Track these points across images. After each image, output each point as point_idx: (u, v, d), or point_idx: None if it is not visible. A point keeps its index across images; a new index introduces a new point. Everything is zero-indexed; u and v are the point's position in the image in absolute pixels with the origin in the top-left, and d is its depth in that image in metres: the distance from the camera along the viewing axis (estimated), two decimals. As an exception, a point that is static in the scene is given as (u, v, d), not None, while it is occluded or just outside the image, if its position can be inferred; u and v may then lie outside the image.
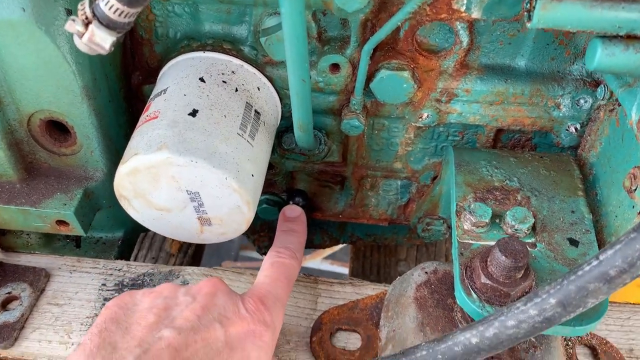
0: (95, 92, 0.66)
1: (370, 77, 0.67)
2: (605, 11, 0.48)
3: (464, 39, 0.64)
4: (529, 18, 0.51)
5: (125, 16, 0.47)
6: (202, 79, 0.64)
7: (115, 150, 0.72)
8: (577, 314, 0.45)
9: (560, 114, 0.69)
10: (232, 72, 0.66)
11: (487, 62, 0.68)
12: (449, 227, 0.84)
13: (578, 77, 0.67)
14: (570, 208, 0.64)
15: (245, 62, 0.68)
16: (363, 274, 1.08)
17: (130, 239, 0.90)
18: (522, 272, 0.54)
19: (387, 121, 0.74)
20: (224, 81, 0.65)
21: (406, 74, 0.66)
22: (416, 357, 0.51)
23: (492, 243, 0.58)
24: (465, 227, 0.61)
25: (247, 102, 0.65)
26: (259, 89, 0.68)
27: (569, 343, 0.68)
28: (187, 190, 0.60)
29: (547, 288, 0.45)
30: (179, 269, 0.75)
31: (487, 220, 0.60)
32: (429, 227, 0.85)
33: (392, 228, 0.92)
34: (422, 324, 0.61)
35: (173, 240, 1.09)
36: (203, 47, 0.68)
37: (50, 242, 0.86)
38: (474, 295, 0.55)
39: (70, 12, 0.59)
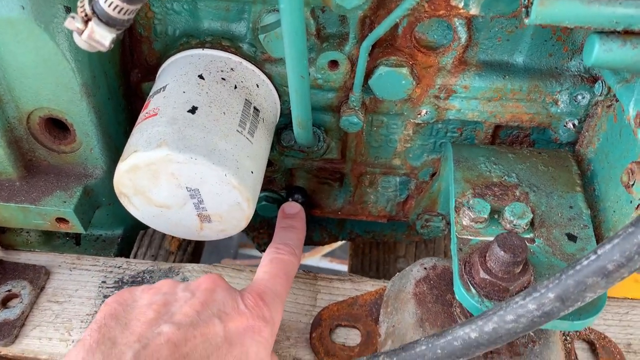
0: (95, 90, 0.66)
1: (369, 74, 0.67)
2: (602, 7, 0.48)
3: (462, 35, 0.64)
4: (527, 14, 0.51)
5: (124, 13, 0.47)
6: (201, 76, 0.64)
7: (114, 148, 0.72)
8: (576, 309, 0.45)
9: (558, 110, 0.69)
10: (231, 69, 0.67)
11: (486, 59, 0.68)
12: (448, 223, 0.84)
13: (576, 73, 0.67)
14: (569, 203, 0.64)
15: (244, 59, 0.68)
16: (362, 271, 1.08)
17: (129, 237, 0.90)
18: (521, 267, 0.54)
19: (386, 118, 0.74)
20: (223, 78, 0.65)
21: (405, 71, 0.66)
22: (415, 353, 0.51)
23: (491, 238, 0.58)
24: (464, 222, 0.61)
25: (246, 99, 0.66)
26: (257, 86, 0.68)
27: (568, 338, 0.69)
28: (186, 187, 0.60)
29: (545, 283, 0.45)
30: (179, 266, 0.76)
31: (485, 216, 0.60)
32: (427, 224, 0.85)
33: (391, 225, 0.93)
34: (421, 320, 0.62)
35: (172, 237, 1.09)
36: (202, 45, 0.68)
37: (50, 239, 0.86)
38: (473, 291, 0.55)
39: (69, 10, 0.59)
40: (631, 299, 0.75)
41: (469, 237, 0.60)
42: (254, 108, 0.66)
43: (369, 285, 0.74)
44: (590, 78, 0.67)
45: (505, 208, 0.61)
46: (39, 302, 0.72)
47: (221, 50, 0.67)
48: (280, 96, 0.71)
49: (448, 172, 0.71)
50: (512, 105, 0.70)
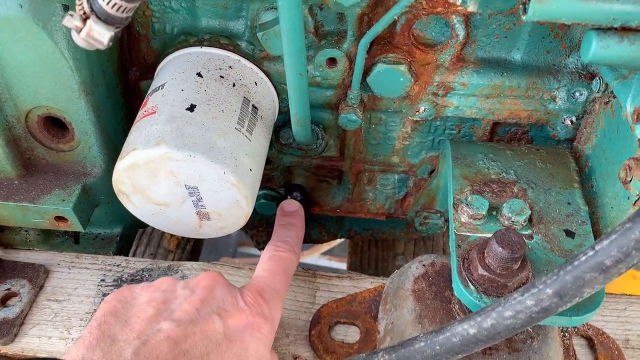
0: (93, 88, 0.66)
1: (367, 71, 0.67)
2: (599, 3, 0.48)
3: (460, 32, 0.65)
4: (524, 11, 0.51)
5: (123, 11, 0.47)
6: (199, 74, 0.64)
7: (113, 146, 0.72)
8: (574, 305, 0.45)
9: (556, 107, 0.69)
10: (230, 67, 0.67)
11: (484, 56, 0.68)
12: (447, 220, 0.85)
13: (573, 69, 0.68)
14: (567, 200, 0.65)
15: (243, 57, 0.68)
16: (361, 269, 1.08)
17: (128, 235, 0.90)
18: (519, 263, 0.54)
19: (384, 115, 0.74)
20: (221, 76, 0.65)
21: (403, 68, 0.66)
22: (414, 349, 0.51)
23: (489, 235, 0.58)
24: (463, 219, 0.61)
25: (244, 97, 0.66)
26: (256, 83, 0.68)
27: (566, 334, 0.69)
28: (185, 185, 0.60)
29: (543, 279, 0.45)
30: (178, 264, 0.76)
31: (484, 213, 0.60)
32: (426, 221, 0.85)
33: (389, 222, 0.93)
34: (420, 316, 0.62)
35: (171, 236, 1.09)
36: (200, 43, 0.68)
37: (49, 238, 0.86)
38: (472, 287, 0.55)
39: (67, 8, 0.59)
40: (629, 295, 0.75)
41: (468, 234, 0.60)
42: (253, 106, 0.66)
43: (368, 283, 0.74)
44: (587, 75, 0.67)
45: (504, 205, 0.61)
46: (38, 301, 0.72)
47: (219, 48, 0.67)
48: (278, 94, 0.71)
49: (446, 169, 0.71)
50: (510, 102, 0.70)
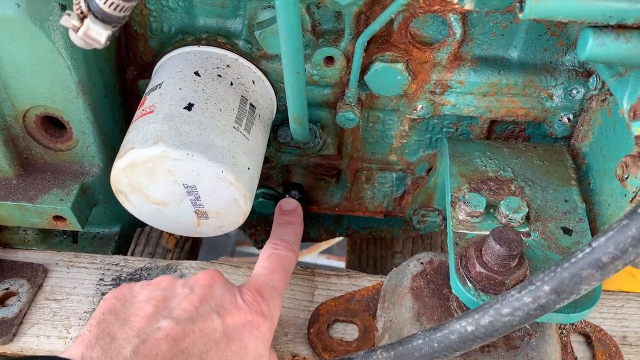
0: (91, 87, 0.66)
1: (364, 70, 0.67)
2: (596, 1, 0.49)
3: (457, 30, 0.65)
4: (521, 9, 0.52)
5: (120, 10, 0.47)
6: (197, 73, 0.64)
7: (111, 145, 0.72)
8: (571, 302, 0.45)
9: (553, 105, 0.69)
10: (227, 65, 0.67)
11: (481, 54, 0.68)
12: (444, 218, 0.85)
13: (570, 67, 0.68)
14: (564, 197, 0.65)
15: (240, 55, 0.68)
16: (359, 267, 1.09)
17: (127, 234, 0.90)
18: (517, 260, 0.54)
19: (382, 113, 0.74)
20: (219, 75, 0.65)
21: (400, 66, 0.66)
22: (413, 346, 0.51)
23: (487, 232, 0.58)
24: (460, 217, 0.61)
25: (242, 96, 0.66)
26: (254, 82, 0.68)
27: (564, 331, 0.69)
28: (183, 184, 0.60)
29: (541, 276, 0.46)
30: (177, 263, 0.76)
31: (481, 210, 0.61)
32: (424, 219, 0.85)
33: (387, 220, 0.93)
34: (418, 314, 0.62)
35: (170, 235, 1.09)
36: (198, 41, 0.68)
37: (48, 238, 0.86)
38: (469, 284, 0.56)
39: (64, 7, 0.59)
40: (626, 292, 0.76)
41: (465, 232, 0.60)
42: (250, 104, 0.66)
43: (366, 281, 0.74)
44: (584, 72, 0.67)
45: (501, 202, 0.61)
46: (36, 300, 0.72)
47: (217, 47, 0.67)
48: (276, 92, 0.71)
49: (444, 167, 0.71)
50: (508, 100, 0.70)
